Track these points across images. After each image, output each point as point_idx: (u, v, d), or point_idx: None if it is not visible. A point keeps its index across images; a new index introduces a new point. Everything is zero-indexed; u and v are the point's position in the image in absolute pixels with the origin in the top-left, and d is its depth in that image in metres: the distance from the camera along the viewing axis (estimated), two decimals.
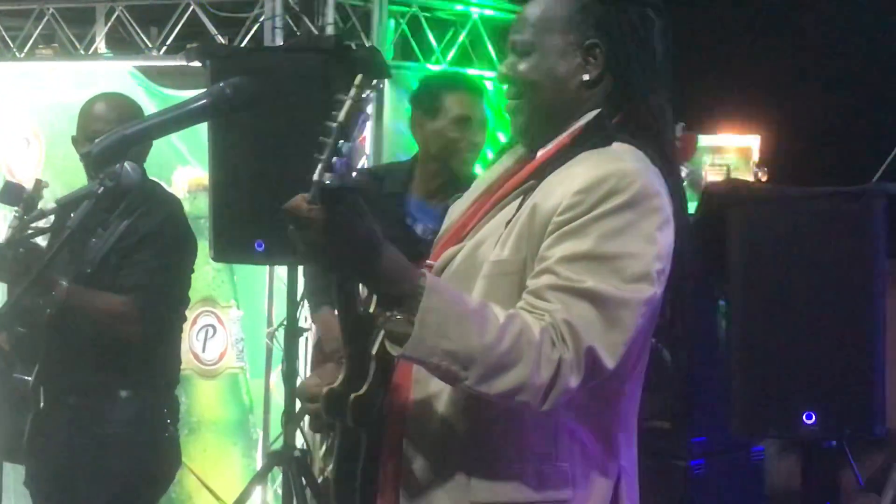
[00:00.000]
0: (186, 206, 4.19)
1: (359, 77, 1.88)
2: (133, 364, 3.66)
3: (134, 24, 6.15)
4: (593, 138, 2.07)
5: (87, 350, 3.66)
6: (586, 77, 2.10)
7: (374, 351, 2.02)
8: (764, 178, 4.51)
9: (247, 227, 3.96)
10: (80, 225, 3.22)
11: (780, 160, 4.67)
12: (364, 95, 1.86)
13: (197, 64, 4.39)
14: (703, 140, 4.49)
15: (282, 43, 5.48)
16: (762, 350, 3.96)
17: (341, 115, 1.84)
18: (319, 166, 1.82)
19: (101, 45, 6.24)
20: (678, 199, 2.07)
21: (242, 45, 5.66)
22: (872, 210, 3.83)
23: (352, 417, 2.01)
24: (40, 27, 6.23)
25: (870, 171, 5.80)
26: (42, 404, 3.70)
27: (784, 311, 3.92)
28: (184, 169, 5.70)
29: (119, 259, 3.64)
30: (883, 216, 3.83)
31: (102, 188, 3.16)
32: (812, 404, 3.87)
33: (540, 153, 2.13)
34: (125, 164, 3.03)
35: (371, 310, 2.00)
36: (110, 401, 3.67)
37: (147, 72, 5.96)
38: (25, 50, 6.30)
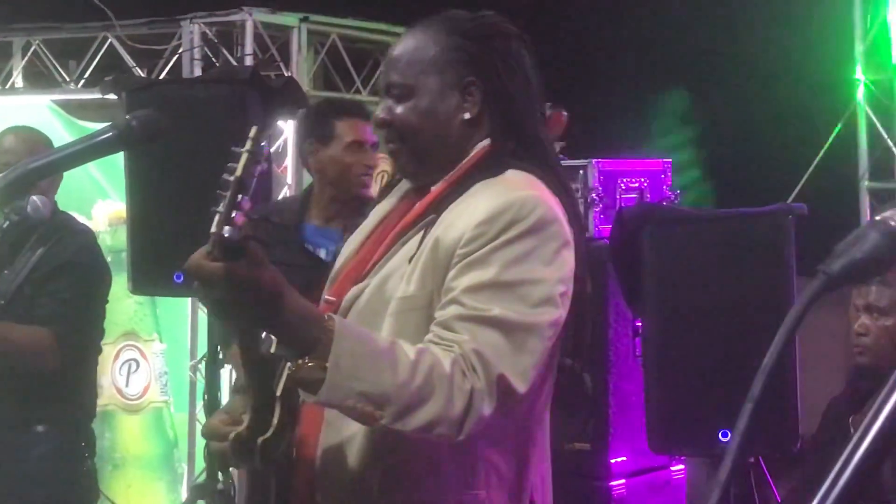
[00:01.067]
0: (108, 240, 4.20)
1: (253, 129, 1.88)
2: (50, 397, 3.64)
3: (51, 58, 6.12)
4: (486, 169, 2.09)
5: (2, 384, 3.64)
6: (467, 116, 2.11)
7: (278, 392, 1.99)
8: (676, 201, 4.58)
9: (165, 259, 3.96)
10: None
11: (693, 183, 4.76)
12: (260, 146, 1.86)
13: (113, 96, 4.40)
14: (617, 164, 4.55)
15: (200, 74, 5.49)
16: (678, 369, 4.02)
17: (238, 170, 1.83)
18: (217, 219, 1.80)
19: (17, 79, 6.21)
20: (576, 222, 2.11)
21: (161, 76, 5.66)
22: (781, 230, 3.90)
23: (260, 461, 1.99)
24: None
25: (783, 194, 5.92)
26: None
27: (698, 330, 3.99)
28: (104, 202, 5.68)
29: (33, 290, 3.62)
30: (791, 235, 3.90)
31: (8, 223, 3.17)
32: (728, 422, 3.92)
33: (434, 187, 2.13)
34: (33, 197, 3.02)
35: (273, 350, 1.97)
36: (27, 435, 3.64)
37: (66, 105, 5.94)
38: None
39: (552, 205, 2.04)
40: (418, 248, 2.05)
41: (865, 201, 6.58)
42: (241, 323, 1.92)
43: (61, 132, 5.22)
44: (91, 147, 2.15)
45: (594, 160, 4.41)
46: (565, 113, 3.72)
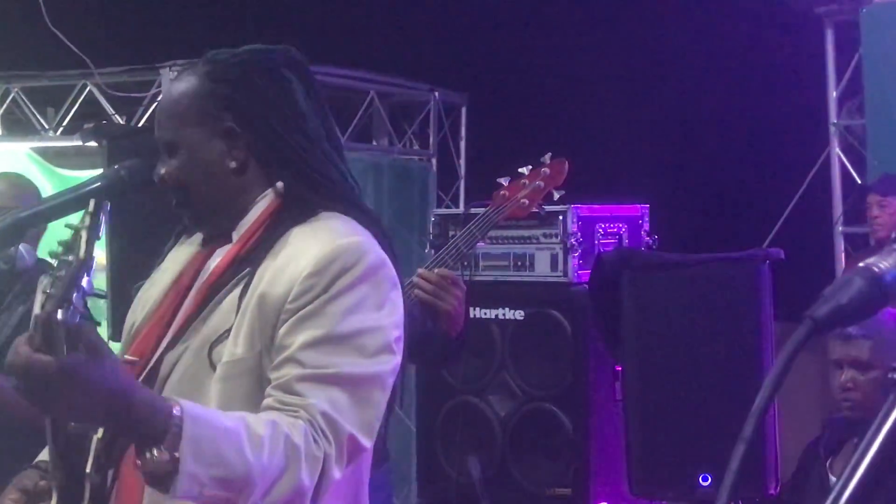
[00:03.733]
0: None
1: (91, 203, 1.82)
2: (16, 449, 3.60)
3: (30, 105, 6.14)
4: (293, 213, 2.00)
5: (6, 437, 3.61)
6: (233, 164, 2.01)
7: (88, 469, 1.87)
8: (654, 246, 4.61)
9: None
10: None
11: (670, 228, 4.80)
12: (100, 220, 1.80)
13: (93, 144, 4.41)
14: (595, 210, 4.59)
15: None
16: (658, 413, 4.04)
17: (81, 251, 1.74)
18: (50, 303, 1.67)
19: None
20: (394, 259, 2.02)
21: (140, 124, 5.68)
22: (757, 275, 3.95)
23: None
24: None
25: (758, 239, 5.97)
26: None
27: (677, 374, 4.02)
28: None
29: None
30: (767, 280, 3.94)
31: None
32: (708, 466, 3.95)
33: (234, 236, 2.03)
34: (20, 246, 3.02)
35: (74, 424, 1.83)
36: None
37: (44, 153, 5.94)
38: None
39: (376, 247, 1.97)
40: (239, 306, 1.93)
41: (840, 245, 6.64)
42: (84, 420, 1.76)
43: (40, 179, 5.22)
44: (80, 196, 2.14)
45: (572, 206, 4.44)
46: (567, 162, 3.73)
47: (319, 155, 2.05)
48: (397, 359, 1.95)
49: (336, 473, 1.84)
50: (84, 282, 1.70)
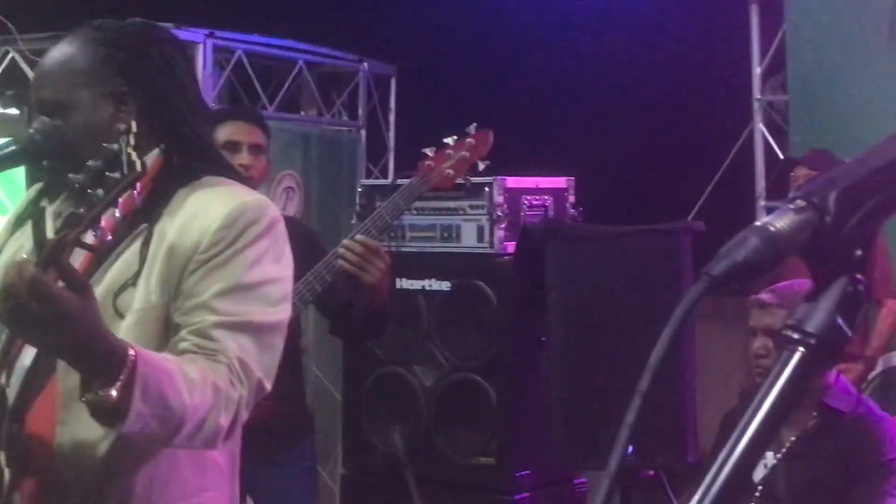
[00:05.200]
0: None
1: (132, 123, 1.86)
2: None
3: None
4: (178, 176, 2.08)
5: None
6: (122, 126, 2.00)
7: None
8: (579, 218, 4.65)
9: None
10: None
11: (596, 201, 4.84)
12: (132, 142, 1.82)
13: (14, 111, 4.35)
14: (521, 182, 4.61)
15: None
16: (581, 383, 4.09)
17: (137, 165, 1.77)
18: (82, 224, 1.71)
19: None
20: None
21: None
22: (679, 247, 4.00)
23: None
24: None
25: (682, 212, 6.05)
26: None
27: (600, 345, 4.06)
28: (3, 218, 5.59)
29: None
30: (688, 252, 4.00)
31: None
32: (631, 436, 4.00)
33: (121, 199, 2.01)
34: None
35: None
36: None
37: None
38: None
39: (274, 206, 2.11)
40: (142, 260, 2.02)
41: (762, 220, 6.74)
42: (50, 347, 1.83)
43: None
44: None
45: (498, 177, 4.47)
46: (491, 133, 3.75)
47: (200, 125, 2.17)
48: (290, 308, 2.11)
49: (244, 415, 1.97)
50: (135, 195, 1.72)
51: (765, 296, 3.36)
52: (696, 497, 0.96)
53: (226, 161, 2.22)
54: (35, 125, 2.09)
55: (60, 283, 1.73)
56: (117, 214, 1.78)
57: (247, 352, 1.97)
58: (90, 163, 1.78)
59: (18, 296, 1.70)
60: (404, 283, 4.69)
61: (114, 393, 1.76)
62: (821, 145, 5.83)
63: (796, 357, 1.01)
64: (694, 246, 4.05)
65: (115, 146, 1.80)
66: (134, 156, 1.80)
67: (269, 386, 2.01)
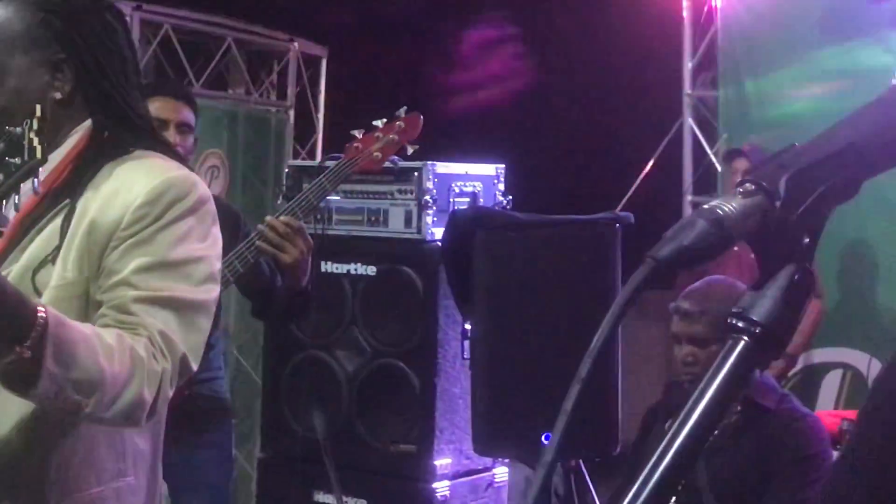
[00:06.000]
0: None
1: (38, 108, 1.80)
2: None
3: None
4: (106, 149, 2.04)
5: None
6: (58, 95, 2.04)
7: None
8: (508, 206, 4.62)
9: None
10: None
11: (525, 189, 4.81)
12: (43, 126, 1.77)
13: None
14: (451, 168, 4.57)
15: None
16: (504, 373, 4.06)
17: (38, 153, 1.74)
18: None
19: None
20: None
21: None
22: (608, 237, 3.98)
23: None
24: None
25: (610, 204, 6.05)
26: None
27: (524, 334, 4.03)
28: None
29: None
30: (617, 242, 3.98)
31: None
32: (551, 426, 3.96)
33: (42, 173, 1.98)
34: None
35: None
36: None
37: None
38: None
39: (202, 184, 2.06)
40: (62, 236, 1.97)
41: (689, 213, 6.78)
42: None
43: None
44: None
45: (428, 162, 4.42)
46: (421, 116, 3.71)
47: (136, 97, 2.11)
48: (218, 289, 2.06)
49: (169, 391, 1.92)
50: (36, 183, 1.69)
51: (684, 304, 3.36)
52: (635, 488, 0.92)
53: (161, 136, 2.16)
54: None
55: None
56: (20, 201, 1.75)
57: (169, 327, 1.91)
58: (7, 128, 1.73)
59: None
60: (329, 267, 4.63)
61: (24, 353, 1.72)
62: (749, 142, 5.88)
63: (740, 346, 0.97)
64: (622, 238, 4.04)
65: (18, 129, 1.75)
66: (36, 142, 1.75)
67: (194, 365, 1.96)
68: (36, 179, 1.77)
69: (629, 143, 6.58)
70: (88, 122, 2.06)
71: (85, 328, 1.83)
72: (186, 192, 1.99)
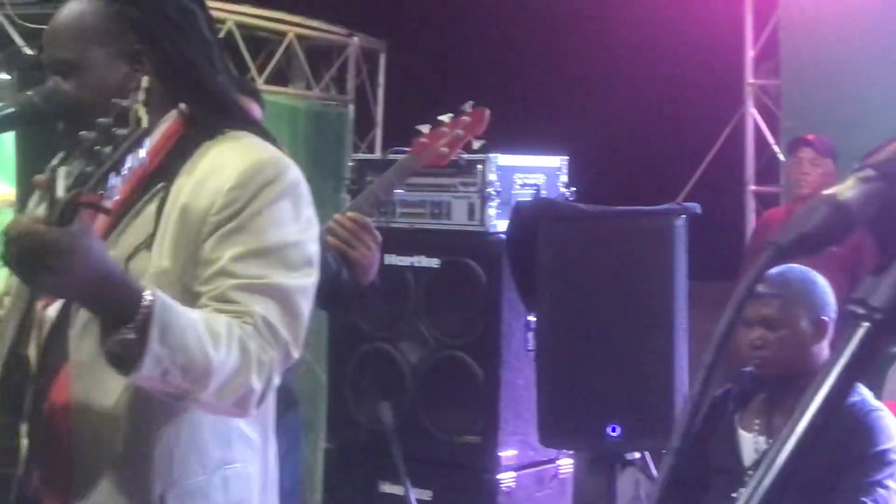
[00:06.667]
0: None
1: (144, 79, 1.82)
2: None
3: None
4: (201, 131, 2.02)
5: None
6: (135, 85, 1.98)
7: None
8: (571, 198, 4.62)
9: None
10: None
11: (588, 180, 4.81)
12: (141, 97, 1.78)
13: (3, 75, 4.29)
14: (513, 160, 4.57)
15: None
16: (569, 364, 4.06)
17: (144, 121, 1.74)
18: (91, 181, 1.67)
19: None
20: None
21: None
22: (672, 228, 3.96)
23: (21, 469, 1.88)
24: None
25: (671, 195, 6.02)
26: None
27: (589, 325, 4.03)
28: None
29: None
30: (682, 234, 3.97)
31: None
32: (616, 417, 3.98)
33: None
34: None
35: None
36: None
37: None
38: None
39: (294, 165, 2.02)
40: (157, 221, 1.96)
41: (751, 205, 6.73)
42: (70, 294, 1.82)
43: None
44: None
45: (491, 155, 4.43)
46: (487, 111, 3.72)
47: (221, 81, 2.07)
48: (316, 273, 2.02)
49: (277, 379, 1.91)
50: (141, 153, 1.70)
51: (760, 285, 3.33)
52: (758, 474, 0.94)
53: (251, 116, 2.13)
54: (49, 85, 2.03)
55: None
56: (127, 174, 1.74)
57: (271, 315, 1.89)
58: (100, 120, 1.73)
59: (18, 244, 1.68)
60: (393, 259, 4.65)
61: (129, 334, 1.73)
62: (812, 131, 5.82)
63: (861, 333, 0.97)
64: (687, 227, 4.02)
65: (126, 102, 1.75)
66: (141, 112, 1.75)
67: (296, 353, 1.94)
68: (142, 150, 1.77)
69: (691, 134, 6.54)
70: (180, 108, 2.03)
71: (193, 314, 1.83)
72: (278, 174, 1.96)
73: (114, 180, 1.71)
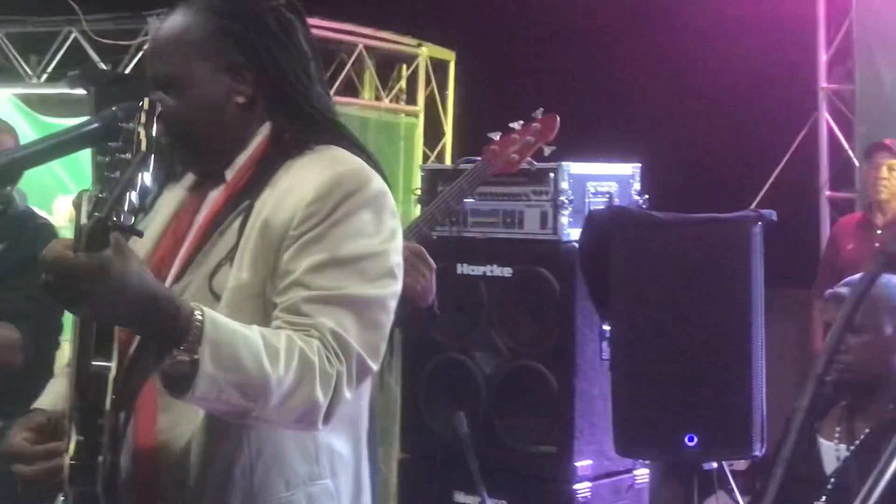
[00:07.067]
0: (67, 236, 4.12)
1: (145, 101, 1.78)
2: (14, 393, 3.56)
3: (14, 52, 6.06)
4: (288, 147, 2.02)
5: None
6: (240, 99, 2.02)
7: (106, 408, 1.84)
8: (644, 205, 4.59)
9: None
10: None
11: (661, 187, 4.77)
12: (153, 119, 1.75)
13: (80, 91, 4.35)
14: (586, 168, 4.55)
15: None
16: (644, 373, 4.03)
17: (143, 145, 1.70)
18: (102, 206, 1.64)
19: None
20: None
21: (125, 72, 5.62)
22: (749, 235, 3.92)
23: (101, 484, 1.83)
24: None
25: (744, 201, 5.96)
26: None
27: (665, 334, 3.99)
28: (65, 197, 5.63)
29: None
30: (759, 241, 3.92)
31: None
32: (694, 426, 3.94)
33: (228, 175, 2.04)
34: (14, 189, 2.97)
35: (94, 363, 1.81)
36: None
37: (27, 100, 5.89)
38: None
39: (378, 177, 2.00)
40: (240, 236, 1.95)
41: (826, 210, 6.65)
42: (112, 319, 1.77)
43: (23, 126, 5.17)
44: (75, 138, 2.10)
45: (563, 163, 4.41)
46: (558, 117, 3.71)
47: (317, 93, 2.07)
48: (398, 284, 1.99)
49: (347, 393, 1.86)
50: (146, 178, 1.68)
51: (842, 290, 3.28)
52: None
53: (345, 129, 2.10)
54: (152, 97, 1.98)
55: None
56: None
57: (344, 326, 1.87)
58: (111, 144, 1.72)
59: (52, 272, 1.66)
60: (465, 269, 4.65)
61: (181, 356, 1.71)
62: (886, 135, 5.74)
63: None
64: (763, 234, 3.97)
65: (131, 125, 1.73)
66: (143, 134, 1.72)
67: (374, 364, 1.91)
68: (147, 174, 1.72)
69: (763, 139, 6.47)
70: (267, 125, 2.04)
71: (248, 331, 1.80)
72: (359, 186, 1.94)
73: (134, 199, 1.69)
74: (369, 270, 1.92)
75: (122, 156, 1.70)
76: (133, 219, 1.68)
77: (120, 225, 1.65)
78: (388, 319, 1.95)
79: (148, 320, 1.72)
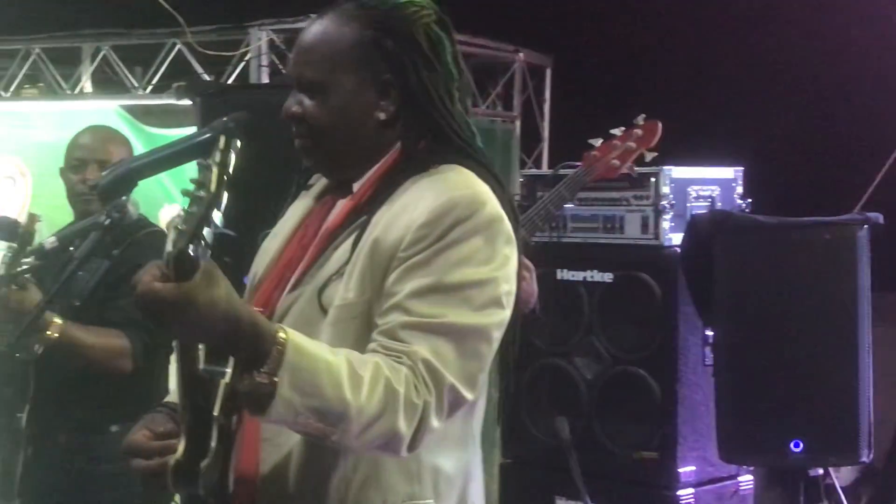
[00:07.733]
0: None
1: (222, 139, 1.77)
2: (123, 398, 3.65)
3: (120, 64, 6.20)
4: (414, 164, 2.00)
5: (77, 386, 3.66)
6: (382, 116, 2.00)
7: (216, 412, 1.86)
8: (747, 209, 4.54)
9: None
10: (85, 257, 3.25)
11: (764, 191, 4.72)
12: (230, 156, 1.75)
13: (185, 102, 4.44)
14: (687, 172, 4.52)
15: (268, 81, 5.53)
16: (748, 378, 3.99)
17: (212, 186, 1.71)
18: (182, 238, 1.68)
19: (87, 84, 6.29)
20: (514, 217, 2.02)
21: (228, 83, 5.72)
22: (855, 238, 3.87)
23: (204, 488, 1.85)
24: (26, 67, 6.27)
25: (849, 204, 5.86)
26: (33, 443, 3.68)
27: (770, 339, 3.96)
28: (170, 206, 5.73)
29: (106, 292, 3.63)
30: (866, 245, 3.87)
31: (109, 220, 3.19)
32: (799, 432, 3.90)
33: (356, 187, 2.04)
34: (129, 198, 3.04)
35: (202, 367, 1.84)
36: (101, 436, 3.66)
37: (133, 111, 6.01)
38: (11, 89, 6.34)
39: (494, 202, 1.95)
40: (353, 252, 1.94)
41: None
42: (200, 342, 1.80)
43: (129, 137, 5.28)
44: (191, 147, 2.15)
45: (665, 167, 4.38)
46: (659, 123, 3.69)
47: (458, 113, 2.04)
48: (506, 313, 1.94)
49: (434, 423, 1.84)
50: (215, 216, 1.69)
51: None
52: None
53: (477, 151, 2.06)
54: (289, 102, 2.04)
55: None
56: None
57: (440, 355, 1.84)
58: (191, 178, 1.74)
59: (142, 302, 1.69)
60: (566, 275, 4.65)
61: (260, 378, 1.73)
62: None
63: None
64: (870, 237, 3.91)
65: (208, 161, 1.74)
66: (214, 174, 1.71)
67: (469, 394, 1.88)
68: (218, 213, 1.72)
69: (867, 139, 6.35)
70: (398, 145, 2.02)
71: (333, 356, 1.79)
72: (470, 213, 1.90)
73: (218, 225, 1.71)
74: (474, 298, 1.88)
75: (198, 193, 1.71)
76: (209, 253, 1.71)
77: (190, 258, 1.67)
78: (489, 349, 1.92)
79: (236, 342, 1.74)
